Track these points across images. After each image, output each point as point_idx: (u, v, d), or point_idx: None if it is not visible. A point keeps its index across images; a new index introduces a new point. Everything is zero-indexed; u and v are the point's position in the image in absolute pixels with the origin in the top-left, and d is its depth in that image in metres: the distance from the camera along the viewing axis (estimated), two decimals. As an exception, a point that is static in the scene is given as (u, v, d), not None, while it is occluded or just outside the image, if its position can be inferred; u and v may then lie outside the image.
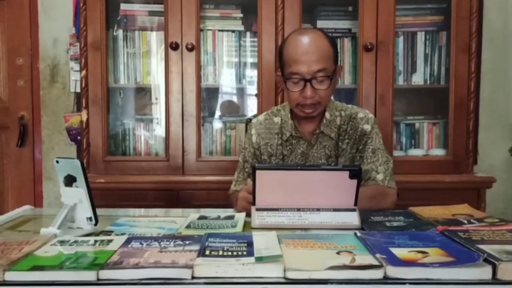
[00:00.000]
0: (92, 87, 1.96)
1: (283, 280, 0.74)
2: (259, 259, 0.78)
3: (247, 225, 1.09)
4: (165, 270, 0.75)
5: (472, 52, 1.98)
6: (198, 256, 0.80)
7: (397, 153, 2.05)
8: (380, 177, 1.36)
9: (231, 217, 1.15)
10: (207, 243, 0.88)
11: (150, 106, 2.13)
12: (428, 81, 2.09)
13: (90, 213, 1.02)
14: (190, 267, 0.75)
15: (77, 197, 1.01)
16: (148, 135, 2.11)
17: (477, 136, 2.20)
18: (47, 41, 2.39)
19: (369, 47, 1.95)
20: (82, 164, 1.00)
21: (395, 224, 1.07)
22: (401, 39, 2.07)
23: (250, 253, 0.82)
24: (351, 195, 1.12)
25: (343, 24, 2.07)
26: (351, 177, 1.10)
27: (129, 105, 2.18)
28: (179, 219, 1.14)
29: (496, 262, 0.74)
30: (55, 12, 2.37)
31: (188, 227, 1.05)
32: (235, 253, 0.82)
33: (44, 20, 2.38)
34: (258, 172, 1.09)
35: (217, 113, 2.18)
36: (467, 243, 0.86)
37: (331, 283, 0.73)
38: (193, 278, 0.75)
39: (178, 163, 1.98)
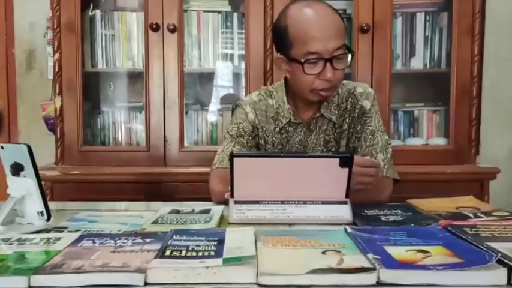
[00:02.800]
0: (66, 72, 1.83)
1: (255, 287, 0.61)
2: (227, 261, 0.65)
3: (224, 220, 0.97)
4: (112, 276, 0.62)
5: (475, 34, 1.85)
6: (156, 257, 0.67)
7: (395, 142, 1.93)
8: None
9: (207, 211, 1.02)
10: (169, 242, 0.75)
11: (131, 93, 1.99)
12: (428, 66, 1.97)
13: (41, 207, 0.89)
14: (144, 271, 0.62)
15: (24, 188, 0.88)
16: (129, 124, 1.98)
17: (479, 125, 2.07)
18: (23, 24, 2.24)
19: (365, 28, 1.82)
20: (30, 150, 0.86)
21: (391, 218, 0.95)
22: (399, 20, 1.95)
23: (218, 253, 0.69)
24: (341, 186, 0.99)
25: (337, 4, 1.91)
26: (342, 165, 0.97)
27: (107, 92, 2.05)
28: (149, 213, 1.01)
29: (512, 264, 0.62)
30: (31, -7, 2.22)
31: (155, 222, 0.92)
32: (200, 253, 0.69)
33: (20, 2, 2.23)
34: (236, 160, 0.96)
35: (202, 100, 2.05)
36: (475, 240, 0.74)
37: (313, 290, 0.60)
38: (146, 284, 0.62)
39: (160, 153, 1.85)
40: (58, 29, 1.81)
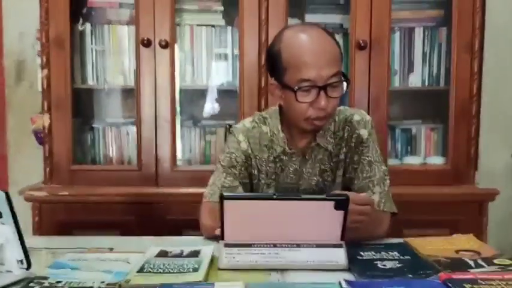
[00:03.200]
0: (55, 88, 1.77)
1: None
2: (213, 336, 0.61)
3: (214, 264, 0.93)
4: None
5: (474, 51, 1.80)
6: (138, 328, 0.63)
7: (391, 161, 1.88)
8: (375, 198, 1.18)
9: (196, 254, 0.97)
10: (154, 304, 0.71)
11: (122, 109, 1.94)
12: (426, 83, 1.91)
13: (20, 255, 0.85)
14: None
15: (3, 236, 0.83)
16: (120, 142, 1.92)
17: (478, 144, 2.03)
18: (12, 34, 2.18)
19: (362, 44, 1.77)
20: (8, 196, 0.82)
21: (388, 265, 0.91)
22: (397, 35, 1.89)
23: (205, 322, 0.65)
24: (336, 228, 0.95)
25: (333, 18, 1.88)
26: (337, 208, 0.93)
27: (98, 108, 1.99)
28: (135, 256, 0.96)
29: None
30: (21, 2, 2.15)
31: (141, 270, 0.88)
32: (186, 321, 0.65)
33: (9, 11, 2.16)
34: (226, 202, 0.92)
35: (195, 117, 1.99)
36: (477, 302, 0.70)
37: None
38: None
39: (152, 173, 1.80)
40: (47, 44, 1.75)
